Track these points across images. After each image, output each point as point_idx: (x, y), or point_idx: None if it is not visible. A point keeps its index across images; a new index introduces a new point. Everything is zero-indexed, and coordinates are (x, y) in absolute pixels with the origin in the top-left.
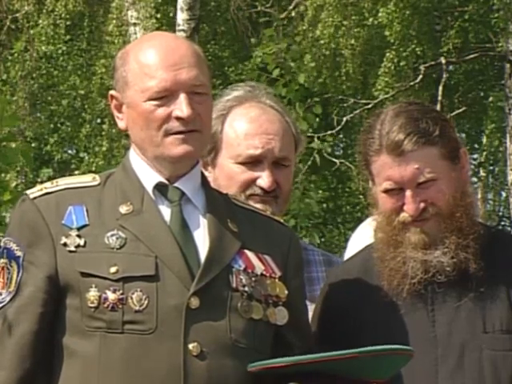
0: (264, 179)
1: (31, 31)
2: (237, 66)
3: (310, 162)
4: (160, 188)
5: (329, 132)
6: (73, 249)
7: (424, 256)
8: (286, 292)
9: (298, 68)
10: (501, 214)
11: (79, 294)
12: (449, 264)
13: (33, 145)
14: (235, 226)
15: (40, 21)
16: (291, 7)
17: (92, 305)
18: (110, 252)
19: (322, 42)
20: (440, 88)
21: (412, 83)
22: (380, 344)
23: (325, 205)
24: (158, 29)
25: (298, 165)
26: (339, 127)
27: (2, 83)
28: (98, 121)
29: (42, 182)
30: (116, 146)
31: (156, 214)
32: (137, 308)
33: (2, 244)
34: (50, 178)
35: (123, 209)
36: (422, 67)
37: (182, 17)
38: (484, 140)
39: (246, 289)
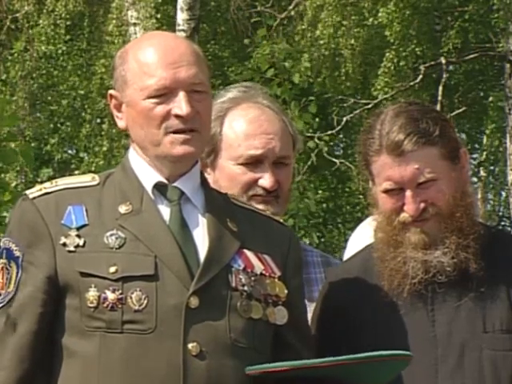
0: (266, 179)
1: (31, 31)
2: (237, 65)
3: (309, 162)
4: (159, 187)
5: (329, 132)
6: (72, 249)
7: (424, 256)
8: (286, 291)
9: (292, 67)
10: (501, 214)
11: (79, 294)
12: (449, 264)
13: (33, 145)
14: (235, 226)
15: (40, 21)
16: (291, 7)
17: (91, 305)
18: (109, 252)
19: (321, 42)
20: (440, 88)
21: (412, 83)
22: (380, 344)
23: (324, 205)
24: (157, 29)
25: (297, 165)
26: (339, 127)
27: (2, 83)
28: (98, 121)
29: (41, 182)
30: (116, 146)
31: (155, 214)
32: (136, 308)
33: (1, 244)
34: (49, 178)
35: (122, 209)
36: (421, 67)
37: (181, 17)
38: (484, 140)
39: (246, 288)
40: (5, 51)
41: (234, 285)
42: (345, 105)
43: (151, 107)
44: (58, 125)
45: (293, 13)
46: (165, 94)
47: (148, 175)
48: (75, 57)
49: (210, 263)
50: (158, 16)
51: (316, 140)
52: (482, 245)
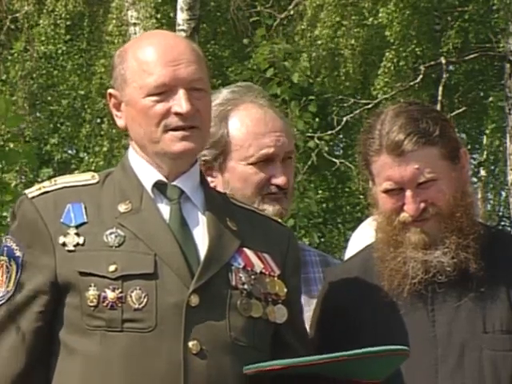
0: (279, 177)
1: (31, 31)
2: (237, 65)
3: (310, 162)
4: (159, 186)
5: (329, 132)
6: (72, 248)
7: (424, 256)
8: (285, 290)
9: (292, 67)
10: (501, 214)
11: (79, 293)
12: (449, 264)
13: (33, 145)
14: (234, 225)
15: (40, 21)
16: (291, 7)
17: (91, 304)
18: (108, 250)
19: (319, 42)
20: (440, 88)
21: (412, 83)
22: (380, 344)
23: (325, 205)
24: (157, 29)
25: (298, 164)
26: (339, 127)
27: (2, 83)
28: (98, 121)
29: (41, 182)
30: (116, 146)
31: (155, 212)
32: (136, 306)
33: (3, 241)
34: (50, 178)
35: (122, 207)
36: (421, 67)
37: (181, 17)
38: (484, 140)
39: (246, 287)
40: (5, 51)
41: (234, 283)
42: (345, 105)
43: (151, 105)
44: (58, 125)
45: (292, 12)
46: (164, 92)
47: (147, 174)
48: (75, 57)
49: (210, 262)
50: (158, 16)
51: (316, 140)
52: (481, 245)
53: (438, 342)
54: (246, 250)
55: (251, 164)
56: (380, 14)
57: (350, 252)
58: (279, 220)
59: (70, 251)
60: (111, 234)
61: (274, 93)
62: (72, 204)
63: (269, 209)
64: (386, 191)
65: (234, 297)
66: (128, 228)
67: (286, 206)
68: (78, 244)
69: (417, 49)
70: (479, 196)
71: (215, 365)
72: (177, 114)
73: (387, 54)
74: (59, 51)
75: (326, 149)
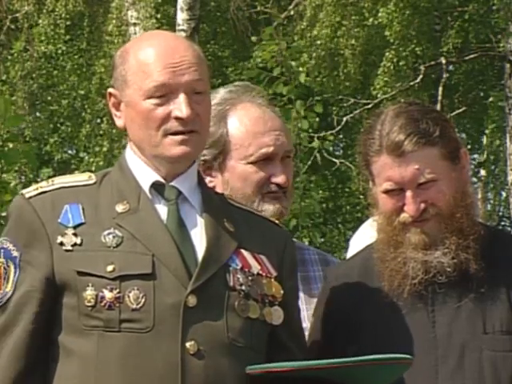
0: (279, 176)
1: (31, 31)
2: (237, 65)
3: (310, 162)
4: (157, 187)
5: (329, 132)
6: (69, 248)
7: (424, 256)
8: (282, 292)
9: (298, 67)
10: (501, 214)
11: (76, 293)
12: (449, 264)
13: (33, 145)
14: (231, 226)
15: (40, 21)
16: (291, 7)
17: (89, 304)
18: (106, 250)
19: (318, 41)
20: (440, 88)
21: (412, 83)
22: (380, 345)
23: (325, 205)
24: (157, 29)
25: (299, 164)
26: (339, 127)
27: (2, 83)
28: (98, 121)
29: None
30: (116, 146)
31: (152, 213)
32: (134, 306)
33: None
34: (49, 178)
35: (120, 208)
36: (421, 67)
37: (181, 17)
38: (484, 140)
39: (243, 288)
40: (5, 51)
41: (231, 284)
42: (345, 105)
43: (151, 108)
44: (58, 125)
45: (292, 12)
46: (165, 95)
47: (145, 174)
48: (75, 57)
49: (208, 262)
50: (158, 16)
51: (316, 139)
52: (482, 245)
53: (438, 342)
54: (243, 251)
55: (251, 163)
56: (380, 14)
57: (351, 253)
58: (276, 221)
59: (67, 251)
60: (109, 234)
61: (279, 92)
62: (70, 205)
63: (269, 208)
64: (386, 192)
65: (231, 298)
66: (126, 228)
67: (286, 204)
68: (75, 244)
69: (417, 49)
70: (479, 196)
71: (213, 365)
72: (177, 118)
73: (387, 53)
74: (59, 51)
75: (331, 149)
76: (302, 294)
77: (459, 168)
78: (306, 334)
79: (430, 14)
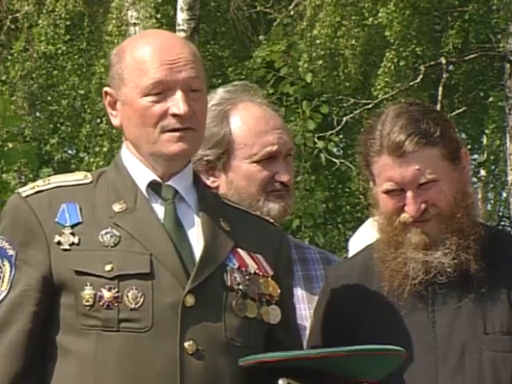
0: (282, 174)
1: (31, 31)
2: (237, 65)
3: (309, 162)
4: (153, 186)
5: (329, 132)
6: (67, 247)
7: (425, 257)
8: (279, 291)
9: (305, 67)
10: (501, 214)
11: (74, 293)
12: (450, 265)
13: (33, 145)
14: (227, 225)
15: (40, 21)
16: (291, 7)
17: (87, 303)
18: (104, 250)
19: (318, 41)
20: (440, 88)
21: (412, 83)
22: (377, 343)
23: (325, 205)
24: (158, 29)
25: (304, 164)
26: (339, 127)
27: (2, 83)
28: (98, 121)
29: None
30: (116, 146)
31: (150, 212)
32: (132, 306)
33: None
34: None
35: (116, 207)
36: (422, 67)
37: (181, 17)
38: (484, 140)
39: (241, 287)
40: (5, 51)
41: (229, 284)
42: (345, 105)
43: (148, 106)
44: (58, 125)
45: (292, 12)
46: (162, 93)
47: (142, 174)
48: (75, 57)
49: (206, 262)
50: (158, 16)
51: (317, 139)
52: (482, 245)
53: (439, 343)
54: (239, 250)
55: (255, 162)
56: (380, 14)
57: (351, 253)
58: (271, 220)
59: (65, 250)
60: (106, 233)
61: (286, 92)
62: (66, 204)
63: (274, 206)
64: (387, 192)
65: (229, 297)
66: (123, 228)
67: (290, 202)
68: (73, 243)
69: (417, 49)
70: (479, 196)
71: (211, 365)
72: (174, 115)
73: (387, 54)
74: (59, 51)
75: (335, 150)
76: (303, 293)
77: (460, 168)
78: (308, 333)
79: (430, 14)
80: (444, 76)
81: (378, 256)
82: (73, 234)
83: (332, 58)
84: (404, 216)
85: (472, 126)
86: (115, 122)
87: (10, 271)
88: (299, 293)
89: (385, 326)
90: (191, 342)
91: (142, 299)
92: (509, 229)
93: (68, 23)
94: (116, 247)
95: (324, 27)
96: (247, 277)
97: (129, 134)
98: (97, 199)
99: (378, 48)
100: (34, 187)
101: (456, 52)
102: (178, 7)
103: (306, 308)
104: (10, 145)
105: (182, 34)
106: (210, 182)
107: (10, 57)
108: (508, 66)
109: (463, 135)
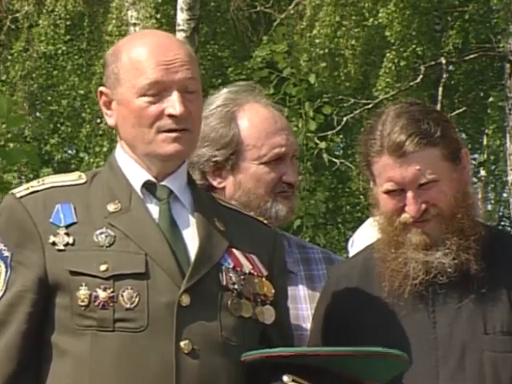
0: (290, 175)
1: (31, 31)
2: (237, 66)
3: (309, 162)
4: (148, 186)
5: (329, 132)
6: (62, 247)
7: (425, 257)
8: (273, 291)
9: (304, 65)
10: (501, 213)
11: (69, 293)
12: (450, 265)
13: (34, 144)
14: (222, 225)
15: (40, 21)
16: (291, 7)
17: (82, 303)
18: (99, 250)
19: (317, 41)
20: (440, 88)
21: (412, 83)
22: (380, 345)
23: (325, 205)
24: (157, 29)
25: (305, 164)
26: (339, 127)
27: (2, 83)
28: (98, 121)
29: None
30: (116, 146)
31: (144, 212)
32: (128, 306)
33: None
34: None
35: (111, 207)
36: (422, 67)
37: (181, 17)
38: (484, 140)
39: (236, 287)
40: (5, 51)
41: (224, 283)
42: (345, 105)
43: (144, 106)
44: (58, 125)
45: (292, 12)
46: (158, 93)
47: (136, 174)
48: (75, 57)
49: (201, 261)
50: (158, 16)
51: (318, 140)
52: (482, 246)
53: (439, 343)
54: (234, 250)
55: (263, 163)
56: (380, 14)
57: (352, 253)
58: (264, 221)
59: (59, 250)
60: (101, 233)
61: (289, 92)
62: (61, 204)
63: (283, 208)
64: (387, 192)
65: (224, 297)
66: (118, 228)
67: (295, 203)
68: (68, 244)
69: (417, 49)
70: (479, 196)
71: (207, 364)
72: (170, 116)
73: (388, 54)
74: (59, 51)
75: (336, 150)
76: (306, 293)
77: (460, 168)
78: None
79: (430, 14)
80: (444, 76)
81: (378, 256)
82: (67, 234)
83: (332, 58)
84: (404, 216)
85: (472, 125)
86: (110, 121)
87: (6, 272)
88: (301, 292)
89: (385, 326)
90: (187, 342)
91: (137, 299)
92: (509, 229)
93: (68, 23)
94: (111, 247)
95: (323, 27)
96: (242, 277)
97: (124, 133)
98: (91, 199)
99: (378, 48)
100: (28, 188)
101: (456, 52)
102: (178, 7)
103: (308, 308)
104: (11, 145)
105: (182, 34)
106: (216, 183)
107: (10, 57)
108: (508, 65)
109: (463, 135)
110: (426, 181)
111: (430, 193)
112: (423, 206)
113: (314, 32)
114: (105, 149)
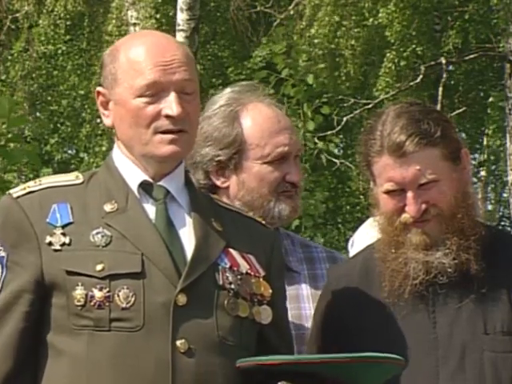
0: (293, 174)
1: (31, 31)
2: (237, 66)
3: (309, 163)
4: (144, 186)
5: (329, 132)
6: (58, 247)
7: (425, 257)
8: (270, 291)
9: (303, 66)
10: (501, 213)
11: (65, 293)
12: (450, 265)
13: (34, 144)
14: (219, 225)
15: (40, 21)
16: (291, 7)
17: (79, 303)
18: (95, 250)
19: (315, 41)
20: (440, 88)
21: (412, 83)
22: (380, 346)
23: (325, 205)
24: (157, 29)
25: (303, 164)
26: (339, 127)
27: (2, 83)
28: (98, 121)
29: None
30: None
31: (141, 212)
32: (124, 305)
33: None
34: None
35: (108, 207)
36: (422, 67)
37: (181, 17)
38: (484, 140)
39: (233, 286)
40: (5, 51)
41: (221, 283)
42: (345, 105)
43: (141, 106)
44: (58, 125)
45: (292, 12)
46: (155, 94)
47: (133, 174)
48: (75, 57)
49: (197, 261)
50: (158, 16)
51: (317, 140)
52: (483, 246)
53: (439, 343)
54: (231, 250)
55: (267, 163)
56: (380, 14)
57: (352, 253)
58: (263, 222)
59: (56, 250)
60: (98, 233)
61: (287, 93)
62: (57, 204)
63: (286, 207)
64: (388, 192)
65: (221, 296)
66: (115, 228)
67: (298, 203)
68: (64, 244)
69: (417, 49)
70: (479, 196)
71: (203, 364)
72: (167, 116)
73: (388, 54)
74: (59, 51)
75: (336, 151)
76: (309, 292)
77: (460, 168)
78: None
79: (430, 13)
80: (444, 76)
81: (378, 256)
82: (64, 234)
83: (332, 58)
84: (404, 216)
85: (472, 125)
86: (107, 121)
87: (2, 272)
88: (305, 292)
89: (385, 326)
90: (183, 341)
91: (133, 299)
92: (509, 229)
93: (68, 23)
94: (107, 247)
95: (322, 27)
96: (239, 276)
97: (121, 134)
98: (88, 199)
99: (377, 48)
100: (25, 188)
101: (456, 52)
102: (178, 7)
103: (311, 307)
104: (12, 145)
105: (182, 34)
106: (220, 182)
107: (10, 57)
108: (508, 65)
109: (463, 135)
110: (426, 181)
111: (430, 193)
112: (423, 206)
113: (312, 31)
114: (104, 148)
